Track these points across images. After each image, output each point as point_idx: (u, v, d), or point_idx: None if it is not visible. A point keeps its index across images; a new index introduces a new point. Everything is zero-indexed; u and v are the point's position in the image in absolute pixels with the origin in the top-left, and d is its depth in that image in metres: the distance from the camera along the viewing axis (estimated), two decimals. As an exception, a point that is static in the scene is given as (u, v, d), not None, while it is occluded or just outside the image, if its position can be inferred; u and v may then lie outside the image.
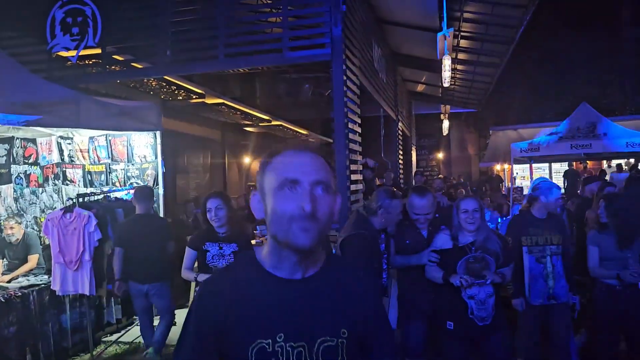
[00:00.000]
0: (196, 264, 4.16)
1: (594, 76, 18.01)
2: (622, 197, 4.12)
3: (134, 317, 6.19)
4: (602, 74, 18.09)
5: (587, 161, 14.57)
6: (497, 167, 17.53)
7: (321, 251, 1.36)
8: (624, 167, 13.61)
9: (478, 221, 3.38)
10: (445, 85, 7.90)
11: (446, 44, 6.24)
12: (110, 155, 6.86)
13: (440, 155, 19.32)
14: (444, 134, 14.28)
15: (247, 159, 15.64)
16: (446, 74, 6.98)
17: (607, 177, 12.74)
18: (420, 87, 13.22)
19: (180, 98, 7.95)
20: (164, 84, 7.14)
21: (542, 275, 3.93)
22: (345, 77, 5.29)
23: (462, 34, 8.75)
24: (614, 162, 14.15)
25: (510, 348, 3.63)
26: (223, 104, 8.70)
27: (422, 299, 3.75)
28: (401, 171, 11.39)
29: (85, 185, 6.85)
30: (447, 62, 6.67)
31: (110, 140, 6.84)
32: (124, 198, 6.10)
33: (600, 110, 11.89)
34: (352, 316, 1.30)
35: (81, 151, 6.90)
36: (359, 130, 5.94)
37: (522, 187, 14.97)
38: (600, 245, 3.94)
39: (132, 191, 6.30)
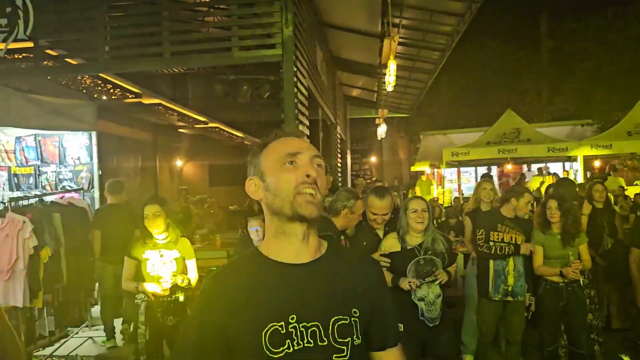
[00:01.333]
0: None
1: (515, 84, 19.12)
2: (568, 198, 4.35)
3: (69, 328, 5.83)
4: (522, 83, 19.23)
5: (510, 165, 15.39)
6: (427, 170, 18.12)
7: (321, 240, 1.40)
8: (544, 172, 14.50)
9: (426, 221, 3.44)
10: (389, 89, 8.06)
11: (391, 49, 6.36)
12: (39, 157, 6.43)
13: (373, 159, 19.71)
14: (381, 137, 14.55)
15: (179, 162, 15.19)
16: (391, 78, 7.12)
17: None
18: (355, 92, 13.41)
19: (115, 97, 7.56)
20: (99, 81, 6.75)
21: (503, 272, 4.10)
22: (295, 79, 5.25)
23: (400, 40, 8.95)
24: (534, 166, 15.03)
25: (455, 346, 3.74)
26: (160, 104, 8.37)
27: None
28: (339, 175, 11.49)
29: (10, 189, 6.38)
30: (392, 67, 6.80)
31: (39, 141, 6.42)
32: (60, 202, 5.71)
33: (520, 117, 12.65)
34: (360, 296, 1.33)
35: (6, 152, 6.42)
36: (308, 132, 5.93)
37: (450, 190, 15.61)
38: (544, 245, 4.15)
39: (67, 195, 5.96)
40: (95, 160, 6.31)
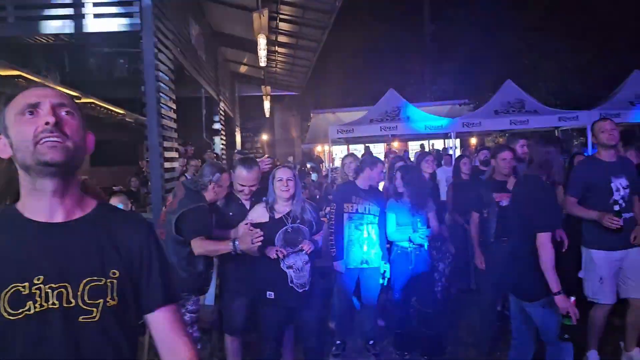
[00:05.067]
0: None
1: (400, 65, 19.93)
2: (414, 169, 4.63)
3: None
4: (407, 64, 20.07)
5: (395, 142, 16.08)
6: (319, 148, 18.46)
7: (89, 197, 1.36)
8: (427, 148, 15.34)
9: (292, 189, 3.49)
10: (262, 64, 8.02)
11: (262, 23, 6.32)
12: None
13: (265, 137, 19.66)
14: (266, 115, 14.55)
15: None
16: (262, 52, 7.08)
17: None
18: (242, 69, 13.26)
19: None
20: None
21: (358, 241, 4.28)
22: (156, 50, 5.06)
23: (280, 16, 8.93)
24: (417, 143, 15.85)
25: (323, 311, 3.88)
26: (20, 76, 7.70)
27: (244, 275, 3.74)
28: (224, 152, 11.34)
29: None
30: (262, 41, 6.76)
31: None
32: None
33: (404, 97, 13.21)
34: (123, 258, 1.31)
35: None
36: (174, 106, 5.75)
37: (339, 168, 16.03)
38: (396, 212, 4.39)
39: None
40: None
